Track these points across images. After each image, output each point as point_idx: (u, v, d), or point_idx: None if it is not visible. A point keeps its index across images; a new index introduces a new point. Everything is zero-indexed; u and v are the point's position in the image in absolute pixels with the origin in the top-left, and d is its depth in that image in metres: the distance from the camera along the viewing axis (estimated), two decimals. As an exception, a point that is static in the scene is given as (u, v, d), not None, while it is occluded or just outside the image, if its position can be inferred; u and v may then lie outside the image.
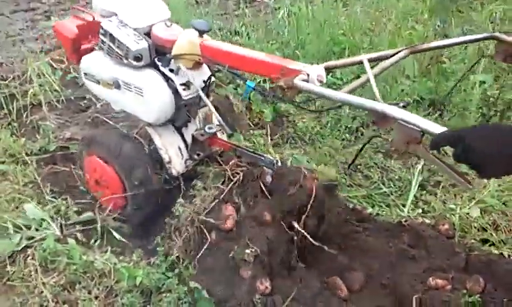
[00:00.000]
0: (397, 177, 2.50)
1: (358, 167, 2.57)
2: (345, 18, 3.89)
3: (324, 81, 1.52)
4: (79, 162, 2.43)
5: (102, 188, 2.28)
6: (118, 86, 2.10)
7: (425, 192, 2.41)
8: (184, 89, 2.00)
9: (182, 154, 2.16)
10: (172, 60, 1.98)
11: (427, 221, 2.19)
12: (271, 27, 4.11)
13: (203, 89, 2.03)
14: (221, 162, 2.12)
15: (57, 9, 4.94)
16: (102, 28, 2.10)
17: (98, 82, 2.19)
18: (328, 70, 1.54)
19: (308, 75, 1.50)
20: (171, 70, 2.02)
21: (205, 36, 1.94)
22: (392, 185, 2.47)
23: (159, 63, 2.03)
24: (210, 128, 2.13)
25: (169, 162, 2.12)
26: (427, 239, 2.10)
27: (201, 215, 1.90)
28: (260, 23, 4.20)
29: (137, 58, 2.00)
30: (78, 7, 2.49)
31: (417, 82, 3.12)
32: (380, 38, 3.52)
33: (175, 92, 2.02)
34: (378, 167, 2.57)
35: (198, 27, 1.91)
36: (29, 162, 2.66)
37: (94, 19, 2.26)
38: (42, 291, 1.87)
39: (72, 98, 3.19)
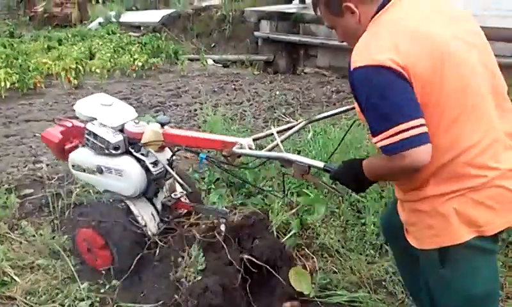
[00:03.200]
0: (420, 295, 2.55)
1: (383, 283, 2.64)
2: (368, 140, 4.14)
3: (253, 148, 2.18)
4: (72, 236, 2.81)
5: (93, 255, 2.69)
6: (101, 172, 2.67)
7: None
8: (153, 166, 2.62)
9: (154, 219, 2.71)
10: (142, 147, 2.60)
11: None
12: (299, 144, 4.38)
13: (167, 165, 2.64)
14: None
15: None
16: (87, 129, 2.71)
17: (84, 171, 2.76)
18: (255, 140, 2.24)
19: (241, 144, 2.14)
20: (142, 154, 2.63)
21: (165, 127, 2.55)
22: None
23: (132, 150, 2.64)
24: (175, 194, 2.69)
25: (145, 226, 2.65)
26: None
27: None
28: (288, 140, 4.49)
29: (116, 148, 2.61)
30: (60, 118, 3.20)
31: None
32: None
33: (147, 170, 2.62)
34: (402, 285, 2.62)
35: (160, 121, 2.57)
36: (67, 258, 2.81)
37: (73, 125, 2.91)
38: None
39: (111, 200, 3.38)
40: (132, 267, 2.54)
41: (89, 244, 2.67)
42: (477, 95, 1.47)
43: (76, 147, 2.85)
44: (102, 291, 2.50)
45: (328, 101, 6.63)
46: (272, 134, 2.31)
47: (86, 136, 2.72)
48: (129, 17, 12.82)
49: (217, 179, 3.78)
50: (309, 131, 4.39)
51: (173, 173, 2.61)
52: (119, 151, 2.62)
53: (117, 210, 2.66)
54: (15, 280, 2.61)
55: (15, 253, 2.85)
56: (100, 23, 12.71)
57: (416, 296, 2.12)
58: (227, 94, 6.99)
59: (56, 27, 13.17)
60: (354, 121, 2.73)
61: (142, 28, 11.75)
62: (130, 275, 2.55)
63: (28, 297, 2.51)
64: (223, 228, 2.41)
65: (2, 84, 6.57)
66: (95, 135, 2.65)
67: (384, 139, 1.39)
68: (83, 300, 2.46)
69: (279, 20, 9.27)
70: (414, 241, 1.61)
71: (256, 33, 9.51)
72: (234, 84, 7.64)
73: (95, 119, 2.72)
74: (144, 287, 2.50)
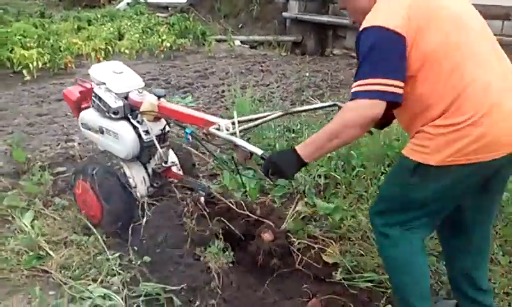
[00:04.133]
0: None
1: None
2: (398, 125, 4.08)
3: (230, 130, 2.27)
4: (72, 188, 3.10)
5: (87, 207, 2.95)
6: (102, 132, 2.92)
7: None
8: (145, 134, 2.84)
9: (145, 182, 2.95)
10: (139, 114, 2.81)
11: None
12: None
13: (160, 135, 2.87)
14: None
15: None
16: (94, 92, 2.94)
17: (89, 129, 3.01)
18: (233, 123, 2.31)
19: (219, 125, 2.30)
20: (138, 121, 2.85)
21: (161, 99, 2.74)
22: (444, 289, 2.50)
23: (130, 117, 2.86)
24: (165, 163, 2.88)
25: (135, 187, 2.89)
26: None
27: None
28: (314, 123, 4.48)
29: (115, 113, 2.84)
30: (81, 79, 3.31)
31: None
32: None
33: (139, 136, 2.84)
34: (431, 270, 2.60)
35: (156, 93, 2.75)
36: (98, 234, 2.87)
37: (91, 87, 3.06)
38: None
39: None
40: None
41: (84, 195, 2.94)
42: (477, 44, 1.73)
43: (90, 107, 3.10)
44: (133, 263, 2.53)
45: (357, 83, 6.53)
46: (255, 119, 2.52)
47: (93, 98, 2.95)
48: (157, -3, 12.85)
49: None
50: (333, 111, 4.37)
51: (157, 144, 2.82)
52: (118, 116, 2.85)
53: (108, 165, 2.92)
54: (49, 254, 2.69)
55: (49, 228, 2.94)
56: (128, 4, 12.79)
57: (457, 287, 2.17)
58: (254, 76, 6.98)
59: (85, 7, 13.31)
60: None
61: (169, 8, 11.77)
62: (154, 254, 2.58)
63: (63, 271, 2.58)
64: (202, 199, 2.63)
65: (35, 63, 6.71)
66: (100, 99, 2.88)
67: (364, 85, 1.64)
68: (114, 275, 2.52)
69: (307, 0, 9.16)
70: (404, 150, 1.83)
71: (284, 14, 9.43)
72: (261, 66, 7.62)
73: (104, 83, 2.94)
74: (168, 267, 2.54)
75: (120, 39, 8.75)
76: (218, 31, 10.22)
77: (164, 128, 2.88)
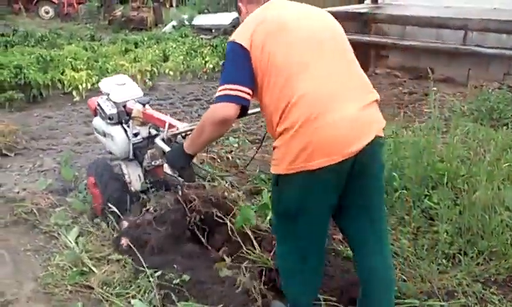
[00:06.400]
0: (496, 309, 2.42)
1: (455, 294, 2.52)
2: (442, 145, 3.96)
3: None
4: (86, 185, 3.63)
5: (94, 198, 3.42)
6: (104, 135, 3.44)
7: (529, 329, 2.29)
8: (133, 137, 3.31)
9: (140, 179, 3.35)
10: (130, 120, 3.26)
11: None
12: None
13: (148, 138, 3.32)
14: None
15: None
16: (97, 101, 3.48)
17: (99, 133, 3.54)
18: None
19: (178, 128, 2.70)
20: (128, 126, 3.32)
21: (146, 106, 3.20)
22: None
23: (123, 121, 3.34)
24: (155, 162, 3.14)
25: (130, 183, 3.34)
26: None
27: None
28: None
29: (110, 118, 3.35)
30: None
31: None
32: (478, 167, 3.53)
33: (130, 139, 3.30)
34: (477, 297, 2.50)
35: (141, 101, 3.21)
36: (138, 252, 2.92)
37: None
38: None
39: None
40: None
41: (91, 187, 3.41)
42: (313, 59, 1.91)
43: None
44: (173, 282, 2.55)
45: (399, 102, 6.43)
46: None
47: (97, 107, 3.47)
48: (201, 20, 13.14)
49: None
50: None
51: (130, 147, 3.28)
52: (113, 121, 3.34)
53: (107, 163, 3.51)
54: (92, 271, 2.77)
55: (92, 245, 3.02)
56: (173, 27, 13.15)
57: None
58: (295, 96, 6.97)
59: (133, 30, 13.78)
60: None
61: (213, 31, 12.02)
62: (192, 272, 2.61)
63: (104, 287, 2.65)
64: (180, 193, 2.88)
65: (84, 85, 6.99)
66: (100, 106, 3.41)
67: (221, 90, 1.91)
68: (154, 293, 2.54)
69: (348, 20, 9.13)
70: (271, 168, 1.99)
71: (326, 34, 9.42)
72: (302, 85, 7.59)
73: (109, 94, 3.42)
74: (206, 286, 2.55)
75: (165, 61, 8.98)
76: (260, 51, 10.31)
77: (149, 132, 3.32)
